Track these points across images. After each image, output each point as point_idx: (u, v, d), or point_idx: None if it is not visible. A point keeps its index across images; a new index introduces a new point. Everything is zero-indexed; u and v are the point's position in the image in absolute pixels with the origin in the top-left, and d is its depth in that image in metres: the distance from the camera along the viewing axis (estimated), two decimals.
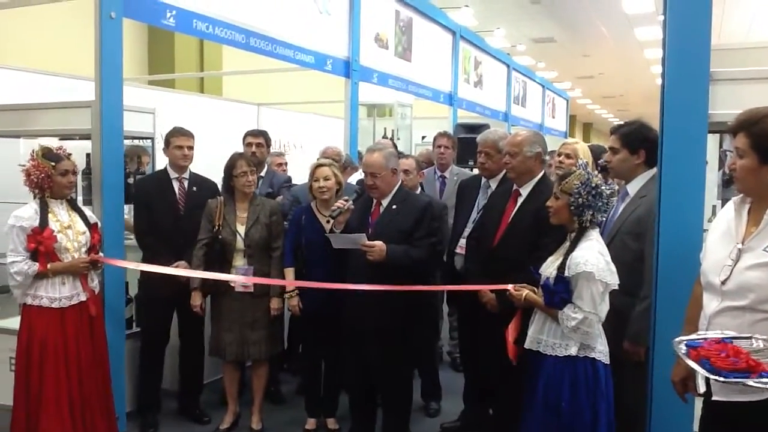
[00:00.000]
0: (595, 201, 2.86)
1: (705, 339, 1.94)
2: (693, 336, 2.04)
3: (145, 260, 4.25)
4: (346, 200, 3.94)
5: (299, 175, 5.86)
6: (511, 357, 3.14)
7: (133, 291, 4.41)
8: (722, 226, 2.24)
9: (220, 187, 4.56)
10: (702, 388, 2.15)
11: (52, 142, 3.79)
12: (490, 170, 4.16)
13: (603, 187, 2.87)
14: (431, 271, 4.18)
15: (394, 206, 3.80)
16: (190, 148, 4.36)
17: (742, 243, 2.12)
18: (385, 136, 8.50)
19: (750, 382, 1.78)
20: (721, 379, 1.81)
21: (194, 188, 4.39)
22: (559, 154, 4.54)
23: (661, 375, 2.81)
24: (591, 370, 2.85)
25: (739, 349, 1.86)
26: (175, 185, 4.34)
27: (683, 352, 1.92)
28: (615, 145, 3.35)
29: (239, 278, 4.08)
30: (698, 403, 2.42)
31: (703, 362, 1.85)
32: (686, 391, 2.36)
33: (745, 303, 2.05)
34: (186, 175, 4.39)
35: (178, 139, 4.32)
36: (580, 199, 2.86)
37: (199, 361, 4.56)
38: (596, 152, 4.78)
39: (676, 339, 1.99)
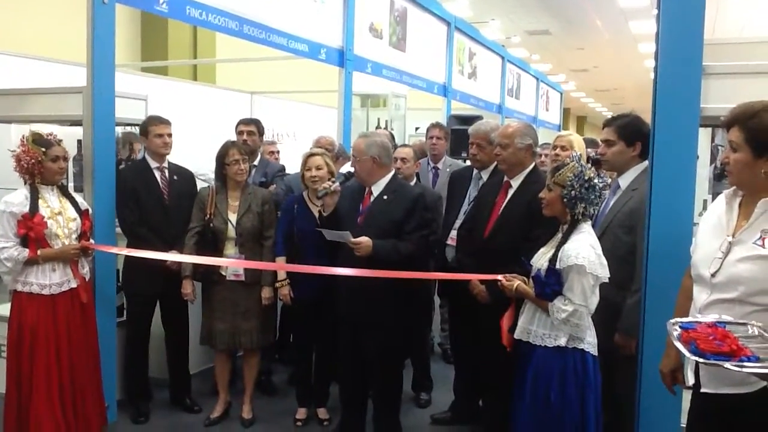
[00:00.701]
0: (587, 194, 2.86)
1: (699, 322, 1.96)
2: (689, 318, 2.05)
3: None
4: (333, 182, 3.95)
5: (292, 165, 5.85)
6: (506, 345, 3.15)
7: None
8: (713, 219, 2.24)
9: (196, 175, 4.56)
10: (691, 381, 2.16)
11: (52, 127, 3.76)
12: (482, 162, 4.16)
13: (596, 180, 2.88)
14: (424, 263, 4.18)
15: (385, 196, 3.80)
16: (170, 135, 4.28)
17: (733, 236, 2.12)
18: (378, 126, 8.48)
19: (727, 365, 1.80)
20: (702, 360, 1.83)
21: (175, 177, 4.35)
22: (555, 147, 4.54)
23: (650, 367, 2.83)
24: (580, 362, 2.86)
25: (728, 333, 1.88)
26: (157, 175, 4.28)
27: (676, 333, 1.94)
28: (610, 137, 3.34)
29: (230, 261, 4.07)
30: (686, 396, 2.43)
31: (690, 344, 1.88)
32: (675, 383, 2.37)
33: (735, 295, 2.06)
34: (165, 164, 4.33)
35: (158, 127, 4.23)
36: (573, 192, 2.86)
37: (184, 351, 4.55)
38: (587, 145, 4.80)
39: (671, 321, 2.01)
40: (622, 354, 3.12)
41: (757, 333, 1.90)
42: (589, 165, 3.00)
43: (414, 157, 4.66)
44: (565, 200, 2.89)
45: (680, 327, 1.96)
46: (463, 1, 13.13)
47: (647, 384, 2.92)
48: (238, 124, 5.12)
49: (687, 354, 1.87)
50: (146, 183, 4.23)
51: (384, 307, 3.70)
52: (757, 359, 1.81)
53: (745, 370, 1.79)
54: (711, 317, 1.98)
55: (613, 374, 3.11)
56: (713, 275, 2.12)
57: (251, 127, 5.07)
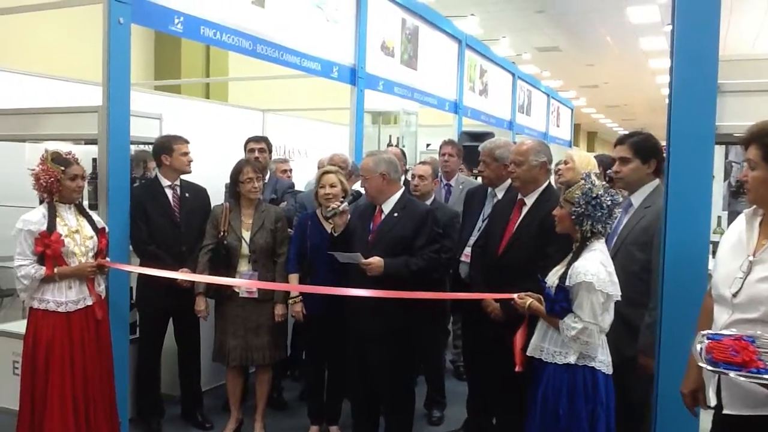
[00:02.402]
0: (594, 211, 2.86)
1: (731, 335, 1.96)
2: (723, 331, 2.04)
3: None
4: (341, 202, 3.97)
5: (303, 182, 5.86)
6: (518, 365, 3.14)
7: None
8: (733, 239, 2.23)
9: (209, 191, 4.57)
10: (713, 401, 2.14)
11: (68, 146, 3.79)
12: (489, 179, 4.18)
13: (604, 198, 2.87)
14: (438, 280, 4.18)
15: (395, 214, 3.83)
16: (190, 153, 4.36)
17: (754, 255, 2.11)
18: (390, 144, 8.49)
19: (732, 374, 1.83)
20: (710, 368, 1.87)
21: (187, 194, 4.38)
22: (557, 163, 4.55)
23: (667, 386, 2.80)
24: (590, 380, 2.84)
25: (748, 345, 1.88)
26: (168, 193, 4.32)
27: (701, 345, 1.94)
28: (626, 154, 3.31)
29: (243, 282, 4.09)
30: (704, 416, 2.41)
31: (708, 355, 1.90)
32: (696, 404, 2.34)
33: (756, 315, 2.03)
34: (177, 182, 4.37)
35: (184, 146, 4.31)
36: (580, 209, 2.87)
37: (196, 367, 4.56)
38: (605, 162, 4.77)
39: (702, 332, 2.01)
40: (645, 374, 3.04)
41: None
42: (601, 182, 2.99)
43: (432, 174, 4.66)
44: (573, 217, 2.90)
45: (707, 339, 1.97)
46: (473, 19, 13.19)
47: (664, 404, 2.88)
48: (248, 142, 5.17)
49: (699, 361, 1.88)
50: (157, 201, 4.26)
51: (393, 319, 3.71)
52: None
53: (750, 380, 1.81)
54: (742, 331, 1.97)
55: (630, 393, 3.07)
56: (734, 295, 2.10)
57: (261, 145, 5.14)
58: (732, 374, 1.83)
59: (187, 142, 4.35)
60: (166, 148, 4.30)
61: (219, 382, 4.90)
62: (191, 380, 4.56)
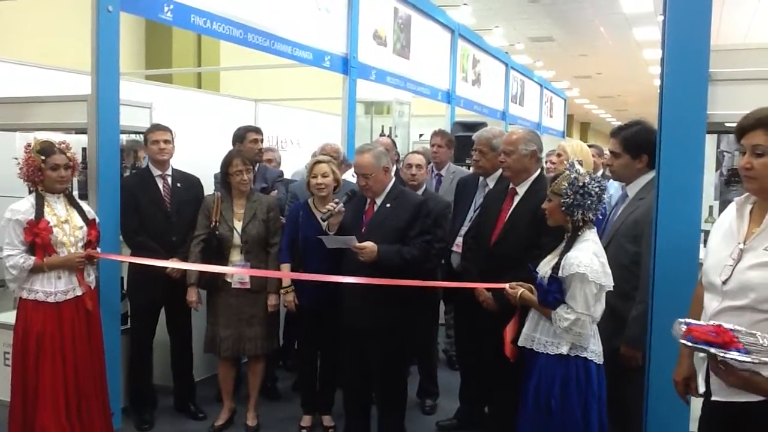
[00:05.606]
0: (583, 200, 2.84)
1: (707, 324, 1.97)
2: (699, 321, 2.05)
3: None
4: (336, 203, 3.95)
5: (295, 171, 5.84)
6: (508, 356, 3.14)
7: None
8: (724, 226, 2.22)
9: (202, 181, 4.54)
10: (702, 389, 2.14)
11: (59, 135, 3.76)
12: (484, 168, 4.16)
13: (591, 186, 2.85)
14: (430, 270, 4.17)
15: (388, 204, 3.81)
16: (167, 141, 4.26)
17: (744, 243, 2.11)
18: (382, 134, 8.47)
19: (712, 350, 1.85)
20: (690, 344, 1.90)
21: (178, 184, 4.35)
22: (549, 154, 4.53)
23: (658, 378, 2.81)
24: (582, 370, 2.84)
25: (727, 331, 1.90)
26: (159, 183, 4.29)
27: (681, 330, 1.96)
28: (616, 149, 3.28)
29: (235, 270, 4.07)
30: (694, 405, 2.42)
31: (687, 336, 1.93)
32: (688, 392, 2.35)
33: (746, 302, 2.04)
34: (169, 171, 4.34)
35: (154, 134, 4.25)
36: (569, 200, 2.86)
37: (188, 358, 4.55)
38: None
39: (680, 320, 2.01)
40: (629, 366, 3.07)
41: (766, 344, 1.89)
42: (585, 171, 2.97)
43: (427, 163, 4.66)
44: (563, 208, 2.89)
45: (686, 325, 1.98)
46: (466, 8, 13.15)
47: (655, 393, 2.90)
48: (248, 132, 5.07)
49: (678, 337, 1.92)
50: (147, 191, 4.23)
51: (386, 313, 3.70)
52: (747, 352, 1.81)
53: (727, 356, 1.84)
54: (725, 325, 1.97)
55: (620, 384, 3.08)
56: (724, 282, 2.10)
57: (261, 135, 5.11)
58: (712, 350, 1.85)
59: (160, 129, 4.27)
60: (143, 139, 4.29)
61: (211, 372, 4.89)
62: (184, 371, 4.55)
